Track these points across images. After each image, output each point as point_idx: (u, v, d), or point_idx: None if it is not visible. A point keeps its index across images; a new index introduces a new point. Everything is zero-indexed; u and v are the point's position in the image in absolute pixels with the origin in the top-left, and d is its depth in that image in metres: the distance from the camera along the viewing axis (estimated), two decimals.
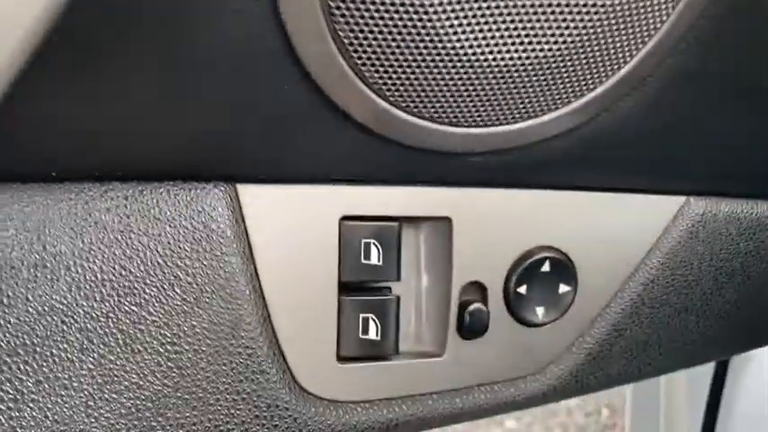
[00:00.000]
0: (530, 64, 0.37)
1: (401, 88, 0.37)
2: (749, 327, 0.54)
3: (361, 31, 0.34)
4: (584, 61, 0.37)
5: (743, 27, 0.40)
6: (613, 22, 0.36)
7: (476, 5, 0.34)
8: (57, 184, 0.38)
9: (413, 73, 0.36)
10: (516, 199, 0.44)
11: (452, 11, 0.34)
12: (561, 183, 0.45)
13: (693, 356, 0.52)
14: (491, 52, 0.36)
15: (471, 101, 0.38)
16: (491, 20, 0.35)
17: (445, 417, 0.46)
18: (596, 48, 0.37)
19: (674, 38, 0.38)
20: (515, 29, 0.35)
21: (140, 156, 0.38)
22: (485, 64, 0.36)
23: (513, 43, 0.36)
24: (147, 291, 0.38)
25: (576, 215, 0.46)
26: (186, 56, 0.34)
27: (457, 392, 0.46)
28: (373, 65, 0.35)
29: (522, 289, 0.45)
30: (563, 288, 0.46)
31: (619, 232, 0.47)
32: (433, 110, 0.38)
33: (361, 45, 0.34)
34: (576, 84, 0.39)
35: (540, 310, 0.45)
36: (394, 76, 0.36)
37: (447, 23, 0.34)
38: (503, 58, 0.36)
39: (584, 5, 0.35)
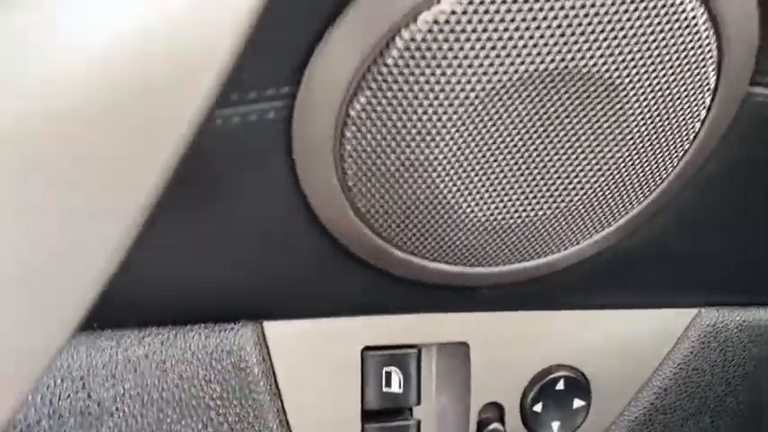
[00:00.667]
0: (534, 221, 0.39)
1: (414, 239, 0.39)
2: (763, 423, 0.55)
3: (377, 203, 0.36)
4: (591, 213, 0.40)
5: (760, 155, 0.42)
6: (619, 180, 0.38)
7: (481, 172, 0.36)
8: (98, 332, 0.41)
9: (423, 227, 0.38)
10: (532, 320, 0.46)
11: (458, 178, 0.36)
12: (576, 304, 0.47)
13: None
14: (495, 213, 0.38)
15: (479, 249, 0.40)
16: (496, 183, 0.37)
17: None
18: (602, 203, 0.39)
19: (687, 175, 0.40)
20: (522, 192, 0.38)
21: (178, 303, 0.41)
22: (489, 223, 0.38)
23: (519, 205, 0.38)
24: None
25: (591, 333, 0.48)
26: (221, 223, 0.37)
27: None
28: (386, 223, 0.38)
29: (538, 407, 0.47)
30: (577, 403, 0.47)
31: (632, 347, 0.49)
32: (446, 255, 0.40)
33: (377, 212, 0.37)
34: (584, 229, 0.41)
35: (555, 425, 0.47)
36: (406, 230, 0.38)
37: (454, 189, 0.36)
38: (509, 218, 0.38)
39: (585, 173, 0.38)
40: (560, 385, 0.47)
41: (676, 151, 0.38)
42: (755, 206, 0.44)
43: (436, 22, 0.29)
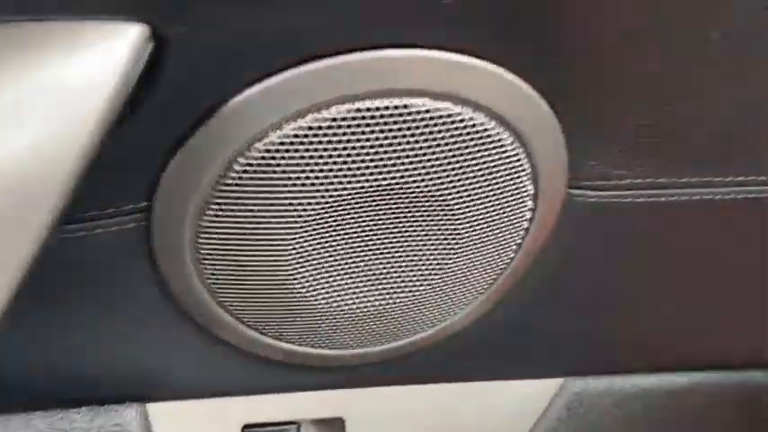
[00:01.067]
0: (383, 310, 0.43)
1: (277, 327, 0.43)
2: None
3: (237, 296, 0.40)
4: (437, 301, 0.44)
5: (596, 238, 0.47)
6: (459, 273, 0.43)
7: (328, 266, 0.40)
8: None
9: (282, 317, 0.42)
10: (406, 395, 0.50)
11: (307, 272, 0.40)
12: (450, 377, 0.50)
13: None
14: (346, 301, 0.42)
15: (338, 333, 0.44)
16: (344, 275, 0.41)
17: None
18: (447, 293, 0.44)
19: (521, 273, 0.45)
20: (370, 284, 0.41)
21: (64, 387, 0.44)
22: (342, 310, 0.42)
23: (367, 296, 0.42)
24: None
25: (465, 405, 0.51)
26: (96, 315, 0.40)
27: None
28: (249, 313, 0.41)
29: None
30: None
31: (503, 415, 0.53)
32: (309, 340, 0.44)
33: (239, 304, 0.40)
34: (432, 315, 0.45)
35: None
36: (268, 319, 0.42)
37: (304, 282, 0.40)
38: (360, 306, 0.42)
39: (425, 269, 0.42)
40: None
41: (509, 245, 0.42)
42: (598, 284, 0.49)
43: (268, 150, 0.34)
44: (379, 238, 0.39)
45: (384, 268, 0.41)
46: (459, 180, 0.37)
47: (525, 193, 0.39)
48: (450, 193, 0.37)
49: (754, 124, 0.44)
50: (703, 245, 0.47)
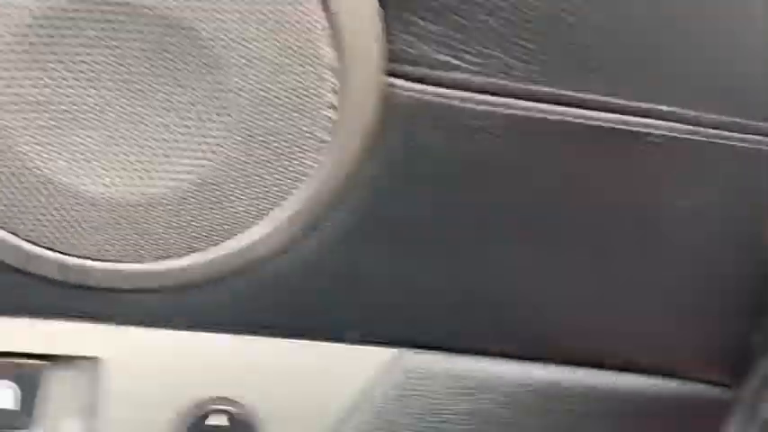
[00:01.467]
0: (152, 200, 0.34)
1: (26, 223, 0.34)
2: None
3: None
4: (224, 203, 0.34)
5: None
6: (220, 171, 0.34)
7: (60, 134, 0.31)
8: None
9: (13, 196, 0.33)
10: (185, 342, 0.40)
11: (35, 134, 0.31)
12: (242, 327, 0.41)
13: None
14: (93, 184, 0.33)
15: (89, 233, 0.35)
16: (90, 149, 0.32)
17: None
18: (232, 193, 0.34)
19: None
20: (129, 166, 0.33)
21: None
22: (87, 196, 0.33)
23: (123, 179, 0.33)
24: None
25: (261, 364, 0.41)
26: None
27: None
28: None
29: None
30: None
31: (316, 385, 0.42)
32: (61, 240, 0.35)
33: None
34: (217, 225, 0.36)
35: None
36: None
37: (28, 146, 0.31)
38: (110, 193, 0.33)
39: (194, 151, 0.33)
40: (222, 421, 0.41)
41: (304, 139, 0.33)
42: (437, 225, 0.39)
43: None
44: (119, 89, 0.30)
45: (141, 144, 0.32)
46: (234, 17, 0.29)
47: (319, 58, 0.30)
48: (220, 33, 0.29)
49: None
50: (567, 187, 0.38)
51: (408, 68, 0.33)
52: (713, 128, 0.39)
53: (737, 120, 0.39)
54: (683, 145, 0.38)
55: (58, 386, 0.40)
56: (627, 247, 0.42)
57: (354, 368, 0.43)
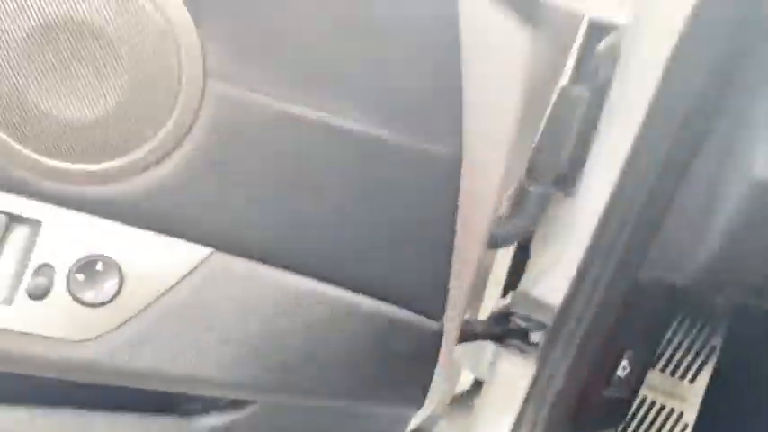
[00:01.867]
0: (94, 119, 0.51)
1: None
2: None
3: None
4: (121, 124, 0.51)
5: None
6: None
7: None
8: None
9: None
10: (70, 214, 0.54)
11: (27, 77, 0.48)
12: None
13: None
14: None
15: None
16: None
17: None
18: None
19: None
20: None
21: None
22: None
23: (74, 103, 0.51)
24: None
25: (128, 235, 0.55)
26: None
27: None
28: None
29: (81, 277, 0.54)
30: (109, 283, 0.55)
31: (154, 264, 0.55)
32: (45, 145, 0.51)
33: None
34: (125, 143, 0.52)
35: (90, 294, 0.54)
36: None
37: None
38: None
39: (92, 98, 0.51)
40: (99, 267, 0.54)
41: (157, 95, 0.52)
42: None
43: None
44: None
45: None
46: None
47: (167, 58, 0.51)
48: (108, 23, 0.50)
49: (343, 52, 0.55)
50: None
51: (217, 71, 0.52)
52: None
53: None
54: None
55: None
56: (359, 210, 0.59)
57: (177, 256, 0.56)
